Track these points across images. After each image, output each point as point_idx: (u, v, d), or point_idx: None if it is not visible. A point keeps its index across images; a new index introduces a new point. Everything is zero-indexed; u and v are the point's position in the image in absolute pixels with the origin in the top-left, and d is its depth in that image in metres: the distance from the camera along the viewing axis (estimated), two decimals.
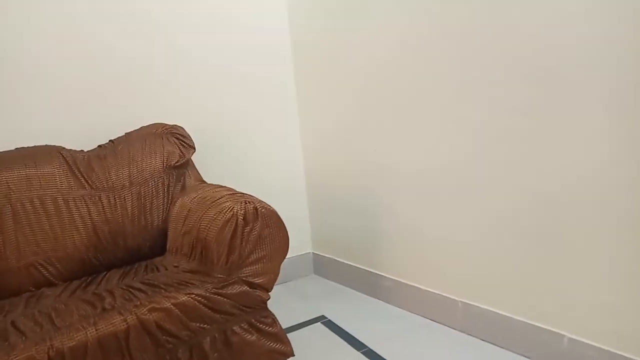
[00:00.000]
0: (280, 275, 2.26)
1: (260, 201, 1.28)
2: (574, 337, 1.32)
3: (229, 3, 2.06)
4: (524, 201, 1.39)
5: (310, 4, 2.07)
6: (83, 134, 1.74)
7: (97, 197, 1.52)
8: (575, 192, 1.26)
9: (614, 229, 1.19)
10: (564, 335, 1.34)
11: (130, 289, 1.20)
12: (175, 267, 1.34)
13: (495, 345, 1.53)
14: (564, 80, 1.24)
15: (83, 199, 1.50)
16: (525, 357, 1.45)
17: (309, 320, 1.87)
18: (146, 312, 1.08)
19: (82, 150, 1.62)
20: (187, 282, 1.21)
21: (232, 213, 1.23)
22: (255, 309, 1.25)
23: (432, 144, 1.64)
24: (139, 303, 1.11)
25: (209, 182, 1.85)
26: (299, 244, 2.37)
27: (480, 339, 1.58)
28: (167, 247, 1.49)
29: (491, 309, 1.54)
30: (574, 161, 1.25)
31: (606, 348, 1.25)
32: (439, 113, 1.59)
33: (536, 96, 1.31)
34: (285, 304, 2.06)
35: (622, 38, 1.11)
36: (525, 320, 1.44)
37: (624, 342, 1.21)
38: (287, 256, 2.31)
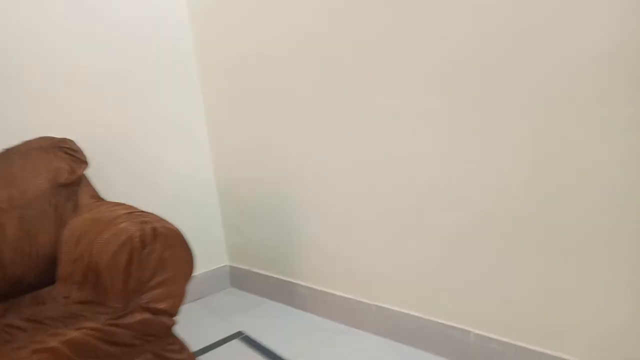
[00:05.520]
0: (195, 291, 2.15)
1: (160, 220, 1.19)
2: (479, 332, 1.38)
3: (125, 6, 1.92)
4: (425, 203, 1.43)
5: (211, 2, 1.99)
6: None
7: None
8: (482, 192, 1.32)
9: (510, 228, 1.26)
10: (470, 331, 1.40)
11: (8, 328, 1.06)
12: (66, 297, 1.21)
13: (409, 345, 1.57)
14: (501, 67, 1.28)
15: None
16: (436, 354, 1.50)
17: (226, 337, 1.79)
18: (27, 356, 0.96)
19: None
20: (78, 315, 1.09)
21: (127, 235, 1.12)
22: (160, 336, 1.16)
23: (344, 150, 1.64)
24: (17, 345, 0.98)
25: (109, 200, 1.71)
26: (214, 256, 2.28)
27: (395, 340, 1.61)
28: (57, 275, 1.34)
29: (403, 310, 1.57)
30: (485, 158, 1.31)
31: (507, 340, 1.32)
32: (353, 118, 1.59)
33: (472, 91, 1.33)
34: (200, 321, 1.96)
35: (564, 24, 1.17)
36: (434, 319, 1.48)
37: (522, 333, 1.29)
38: (202, 270, 2.23)
